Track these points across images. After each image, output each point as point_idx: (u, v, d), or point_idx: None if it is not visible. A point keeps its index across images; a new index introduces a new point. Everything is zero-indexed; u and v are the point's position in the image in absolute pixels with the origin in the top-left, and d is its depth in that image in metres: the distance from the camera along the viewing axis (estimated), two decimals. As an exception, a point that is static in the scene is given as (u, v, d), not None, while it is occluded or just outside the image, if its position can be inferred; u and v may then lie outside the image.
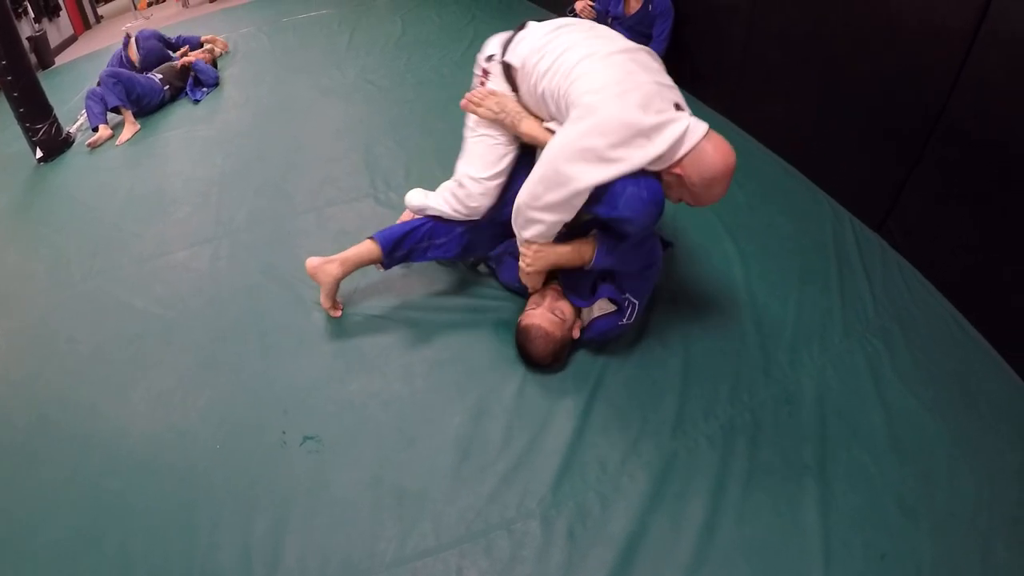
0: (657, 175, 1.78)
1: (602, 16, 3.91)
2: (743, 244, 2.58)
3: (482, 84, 2.14)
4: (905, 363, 2.01)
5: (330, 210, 3.22)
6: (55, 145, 4.35)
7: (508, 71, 2.05)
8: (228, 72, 5.49)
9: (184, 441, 2.14)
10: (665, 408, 1.95)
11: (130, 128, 4.52)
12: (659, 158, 1.72)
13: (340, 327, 2.49)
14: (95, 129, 4.48)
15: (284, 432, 2.11)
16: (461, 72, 4.66)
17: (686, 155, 1.72)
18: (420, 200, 2.38)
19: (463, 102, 2.13)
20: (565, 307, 2.15)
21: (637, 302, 2.06)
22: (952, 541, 1.57)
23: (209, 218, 3.29)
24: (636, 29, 3.73)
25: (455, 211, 2.25)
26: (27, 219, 3.69)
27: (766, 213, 2.76)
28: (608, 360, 2.16)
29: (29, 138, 4.23)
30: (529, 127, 2.01)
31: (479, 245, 2.39)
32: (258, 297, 2.70)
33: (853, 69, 2.62)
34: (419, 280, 2.61)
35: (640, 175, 1.74)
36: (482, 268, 2.62)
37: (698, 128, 1.73)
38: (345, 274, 2.38)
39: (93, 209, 3.59)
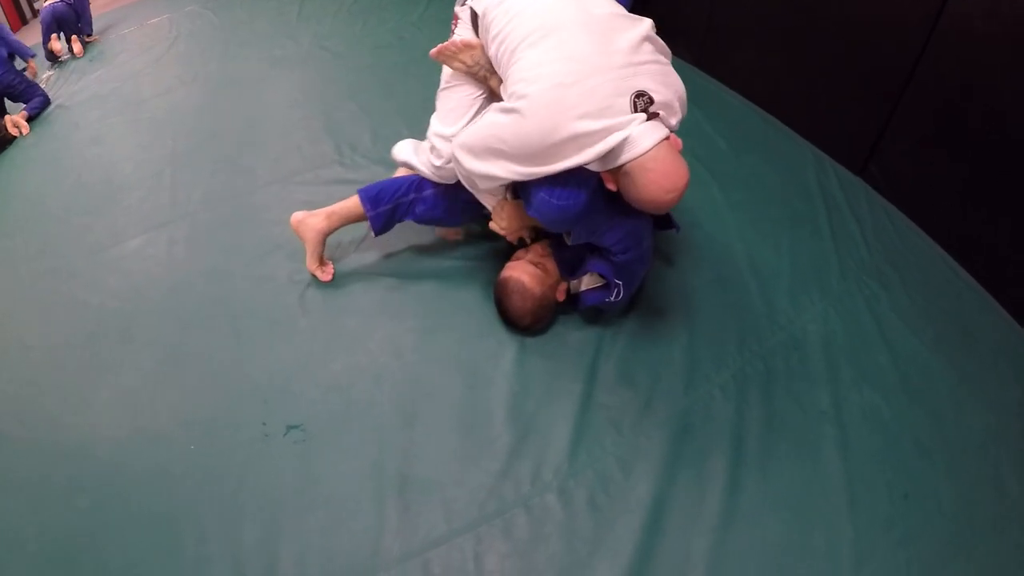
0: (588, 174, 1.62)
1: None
2: (730, 192, 2.49)
3: (453, 30, 1.96)
4: (903, 304, 1.98)
5: (294, 181, 2.98)
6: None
7: (475, 18, 1.87)
8: (173, 51, 5.14)
9: (156, 445, 1.93)
10: (674, 362, 1.85)
11: None
12: (587, 164, 1.56)
13: (316, 302, 2.28)
14: None
15: (265, 424, 1.91)
16: (421, 34, 4.46)
17: (627, 168, 1.52)
18: (407, 154, 2.15)
19: (433, 51, 1.92)
20: (550, 264, 1.99)
21: (621, 283, 1.88)
22: (967, 477, 1.58)
23: (163, 201, 3.03)
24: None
25: (432, 174, 2.06)
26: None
27: (748, 161, 2.67)
28: (608, 318, 2.03)
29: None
30: (495, 85, 1.84)
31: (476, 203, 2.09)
32: (223, 280, 2.47)
33: (826, 12, 2.57)
34: (397, 241, 2.41)
35: (561, 177, 1.59)
36: None
37: (644, 140, 1.49)
38: (331, 229, 2.21)
39: (37, 204, 3.31)
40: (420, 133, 2.12)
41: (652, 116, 1.52)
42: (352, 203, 2.17)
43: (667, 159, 1.50)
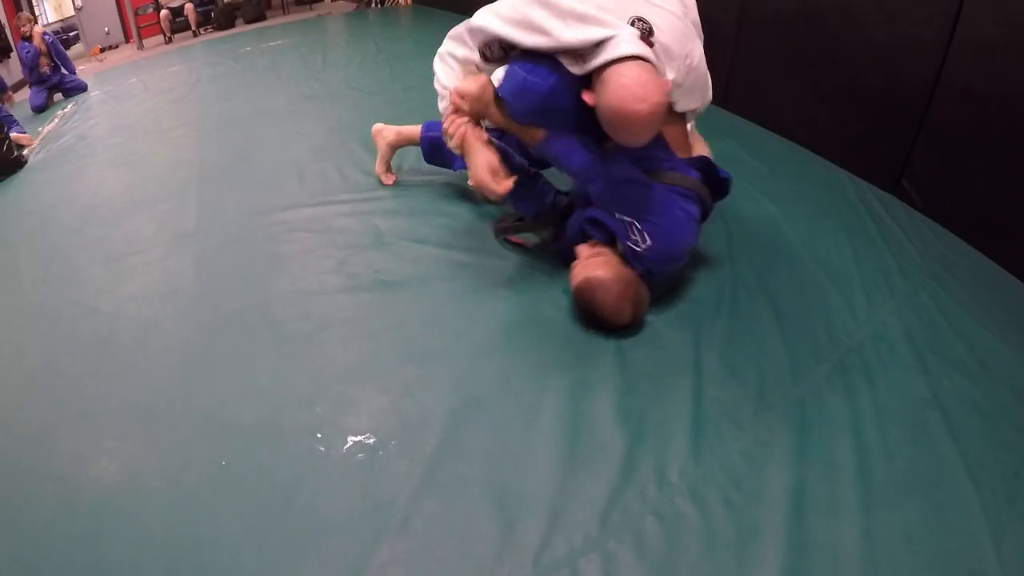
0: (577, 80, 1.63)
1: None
2: (782, 207, 2.51)
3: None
4: (963, 299, 2.00)
5: (335, 200, 2.73)
6: (6, 164, 3.79)
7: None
8: (196, 92, 5.01)
9: (173, 461, 1.56)
10: (775, 356, 1.77)
11: None
12: (568, 52, 1.59)
13: (376, 305, 2.01)
14: None
15: (319, 435, 1.55)
16: None
17: (600, 76, 1.54)
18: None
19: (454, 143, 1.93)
20: (607, 251, 1.81)
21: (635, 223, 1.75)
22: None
23: (190, 213, 2.75)
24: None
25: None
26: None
27: (791, 182, 2.75)
28: (699, 316, 1.93)
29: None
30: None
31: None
32: (261, 286, 2.17)
33: (846, 41, 2.71)
34: (468, 246, 2.29)
35: (546, 65, 1.64)
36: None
37: (622, 47, 1.51)
38: (397, 143, 2.64)
39: (48, 217, 3.02)
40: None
41: (647, 42, 1.56)
42: (417, 128, 2.51)
43: (644, 73, 1.51)
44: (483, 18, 1.75)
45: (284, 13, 9.74)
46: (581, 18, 1.57)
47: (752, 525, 1.34)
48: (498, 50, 1.71)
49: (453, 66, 1.95)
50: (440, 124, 1.98)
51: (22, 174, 3.81)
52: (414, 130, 2.52)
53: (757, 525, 1.34)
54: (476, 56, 1.85)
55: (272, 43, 6.52)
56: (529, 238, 2.20)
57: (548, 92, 1.64)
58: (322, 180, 2.89)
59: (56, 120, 4.90)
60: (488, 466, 1.47)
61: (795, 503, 1.38)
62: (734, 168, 2.44)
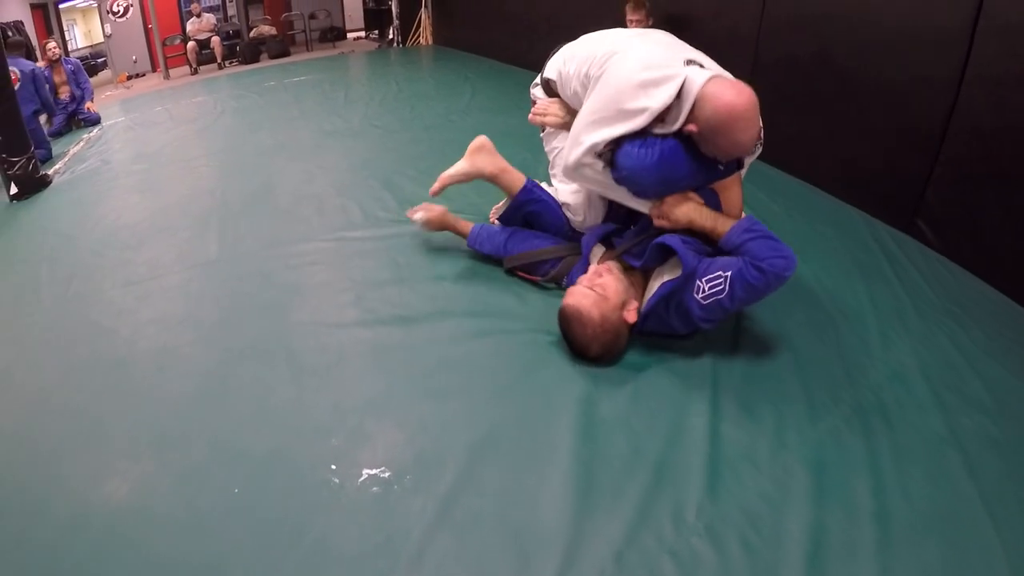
0: (680, 135, 1.75)
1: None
2: (797, 247, 2.51)
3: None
4: (979, 338, 2.04)
5: (354, 233, 2.77)
6: (31, 183, 3.83)
7: (548, 87, 2.19)
8: (220, 123, 5.10)
9: (186, 485, 1.56)
10: (792, 396, 1.79)
11: None
12: (665, 116, 1.72)
13: (394, 342, 2.02)
14: None
15: (334, 467, 1.55)
16: (471, 118, 4.57)
17: (695, 104, 1.67)
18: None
19: (530, 117, 2.26)
20: (608, 283, 1.82)
21: (695, 267, 1.80)
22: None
23: (211, 241, 2.79)
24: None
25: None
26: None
27: (805, 222, 2.83)
28: (716, 356, 1.94)
29: (3, 171, 3.70)
30: None
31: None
32: (281, 316, 2.18)
33: (860, 82, 2.79)
34: (488, 281, 2.35)
35: (656, 140, 1.76)
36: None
37: (700, 76, 1.68)
38: (494, 173, 2.33)
39: (71, 238, 3.05)
40: (484, 196, 2.64)
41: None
42: (518, 178, 2.31)
43: (726, 78, 1.71)
44: (588, 135, 1.84)
45: (308, 50, 9.96)
46: (656, 83, 1.71)
47: (770, 566, 1.33)
48: (608, 150, 1.83)
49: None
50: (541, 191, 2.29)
51: (47, 193, 3.86)
52: (516, 176, 2.32)
53: (775, 567, 1.33)
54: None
55: (296, 79, 6.66)
56: (561, 271, 2.22)
57: (658, 159, 1.75)
58: (343, 215, 2.93)
59: (82, 143, 4.98)
60: (504, 503, 1.47)
61: (813, 544, 1.37)
62: (749, 206, 2.56)
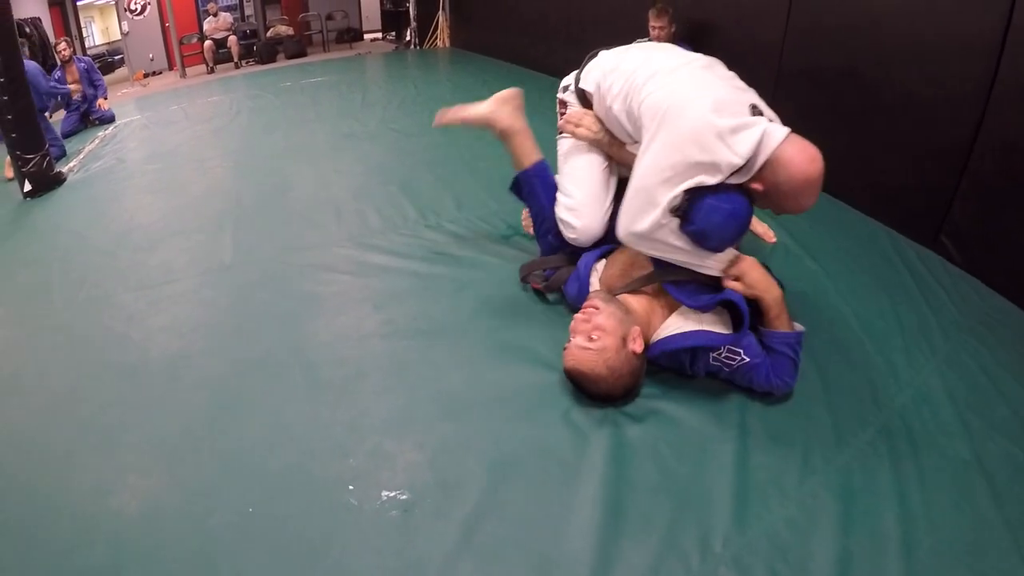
0: (742, 187, 1.64)
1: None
2: (823, 263, 2.54)
3: (562, 115, 2.14)
4: (1005, 359, 2.00)
5: (373, 239, 2.72)
6: (45, 180, 3.81)
7: (583, 98, 2.07)
8: (236, 123, 5.07)
9: (197, 503, 1.51)
10: (820, 420, 1.74)
11: None
12: (739, 168, 1.57)
13: (414, 354, 1.96)
14: None
15: (351, 488, 1.49)
16: None
17: (767, 162, 1.57)
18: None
19: (560, 123, 2.13)
20: (603, 323, 1.70)
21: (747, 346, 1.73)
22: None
23: (226, 245, 2.74)
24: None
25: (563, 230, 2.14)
26: (1, 250, 3.07)
27: (830, 237, 2.77)
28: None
29: (18, 168, 3.68)
30: (619, 148, 2.00)
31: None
32: (297, 326, 2.13)
33: (885, 94, 2.75)
34: (506, 280, 2.32)
35: (722, 187, 1.61)
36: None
37: (777, 132, 1.58)
38: (508, 129, 2.24)
39: (84, 238, 3.02)
40: (505, 205, 2.51)
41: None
42: (533, 147, 2.23)
43: (798, 140, 1.60)
44: (665, 194, 1.65)
45: (325, 50, 9.96)
46: (735, 130, 1.58)
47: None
48: (684, 201, 1.65)
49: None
50: (549, 175, 2.22)
51: (60, 191, 3.84)
52: (530, 145, 2.25)
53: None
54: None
55: (313, 79, 6.64)
56: (555, 282, 2.17)
57: (749, 212, 1.66)
58: (360, 221, 2.88)
59: (97, 141, 4.97)
60: (527, 529, 1.41)
61: (839, 574, 1.33)
62: (774, 222, 2.64)
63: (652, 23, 3.95)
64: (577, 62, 2.13)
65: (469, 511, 1.45)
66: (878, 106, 2.79)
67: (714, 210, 1.60)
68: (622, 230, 1.81)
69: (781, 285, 1.78)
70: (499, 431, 1.67)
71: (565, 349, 1.74)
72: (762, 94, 1.78)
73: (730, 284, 1.74)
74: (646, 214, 1.70)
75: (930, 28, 2.51)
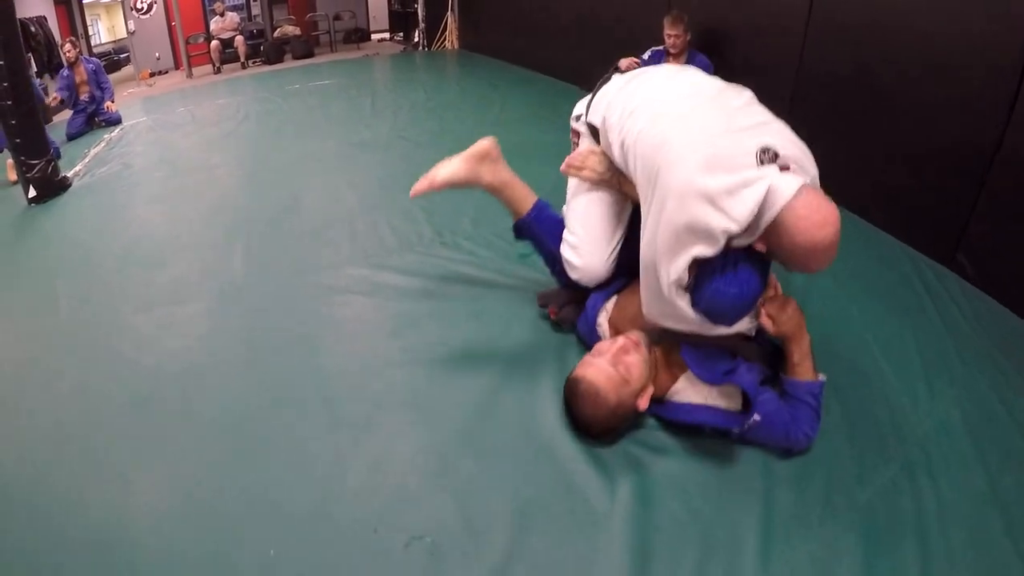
0: (750, 250, 1.52)
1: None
2: (841, 283, 2.49)
3: (575, 146, 2.03)
4: (1019, 385, 1.98)
5: (388, 259, 2.67)
6: (50, 186, 3.77)
7: (594, 130, 1.90)
8: (244, 127, 5.03)
9: (216, 543, 1.46)
10: (842, 455, 1.72)
11: None
12: (738, 232, 1.43)
13: (435, 387, 1.91)
14: None
15: (376, 531, 1.44)
16: (503, 130, 4.32)
17: (771, 224, 1.42)
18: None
19: (563, 167, 1.95)
20: (634, 364, 1.67)
21: (759, 417, 1.64)
22: None
23: (237, 263, 2.69)
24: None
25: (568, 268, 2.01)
26: (6, 259, 3.02)
27: (848, 255, 2.60)
28: None
29: (22, 173, 3.64)
30: (630, 186, 1.77)
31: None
32: (315, 354, 2.08)
33: (904, 111, 2.71)
34: (526, 302, 2.28)
35: (730, 259, 1.49)
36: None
37: (785, 187, 1.40)
38: (493, 185, 2.08)
39: (90, 251, 2.97)
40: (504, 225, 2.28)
41: (783, 169, 1.45)
42: (525, 193, 2.10)
43: (811, 198, 1.41)
44: (670, 268, 1.52)
45: (332, 51, 9.90)
46: (730, 192, 1.41)
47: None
48: (691, 279, 1.53)
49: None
50: (551, 214, 2.10)
51: (65, 197, 3.80)
52: (523, 192, 2.12)
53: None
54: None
55: (320, 82, 6.59)
56: (568, 315, 2.11)
57: (757, 293, 1.54)
58: (375, 237, 2.84)
59: (103, 144, 4.92)
60: (555, 574, 1.38)
61: None
62: None
63: (667, 31, 3.90)
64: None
65: (497, 556, 1.41)
66: (895, 121, 2.76)
67: (718, 294, 1.50)
68: (645, 308, 1.72)
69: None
70: (524, 470, 1.63)
71: (585, 362, 1.71)
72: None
73: (763, 321, 1.68)
74: (658, 292, 1.59)
75: (951, 41, 2.48)
